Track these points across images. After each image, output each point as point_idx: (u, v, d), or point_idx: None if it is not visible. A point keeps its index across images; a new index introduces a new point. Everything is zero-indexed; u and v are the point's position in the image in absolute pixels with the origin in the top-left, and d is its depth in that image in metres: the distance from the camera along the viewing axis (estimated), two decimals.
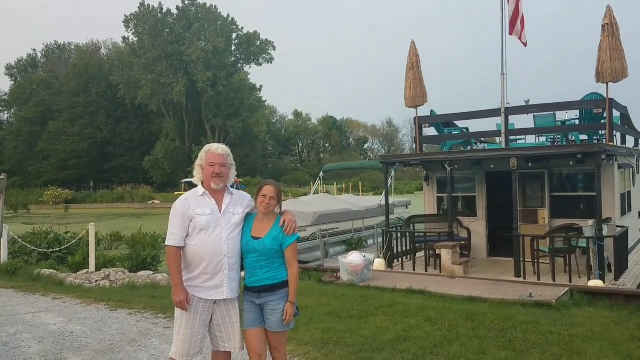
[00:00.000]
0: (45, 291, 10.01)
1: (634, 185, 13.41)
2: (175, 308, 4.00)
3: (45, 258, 13.53)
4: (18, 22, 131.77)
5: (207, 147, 4.17)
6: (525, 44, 11.82)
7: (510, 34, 11.62)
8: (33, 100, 76.37)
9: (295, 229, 4.09)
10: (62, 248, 13.78)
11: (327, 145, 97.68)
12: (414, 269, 11.45)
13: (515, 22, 11.56)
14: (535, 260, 10.12)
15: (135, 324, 7.42)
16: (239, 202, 4.16)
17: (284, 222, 4.06)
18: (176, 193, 50.51)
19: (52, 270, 12.01)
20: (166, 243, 4.01)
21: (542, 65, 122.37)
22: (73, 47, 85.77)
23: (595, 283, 9.21)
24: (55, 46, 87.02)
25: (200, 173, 4.11)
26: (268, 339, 4.06)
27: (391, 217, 13.27)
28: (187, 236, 3.98)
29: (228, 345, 4.08)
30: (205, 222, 3.96)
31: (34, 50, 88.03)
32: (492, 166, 11.59)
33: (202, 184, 4.11)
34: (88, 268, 12.16)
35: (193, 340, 3.98)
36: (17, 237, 13.97)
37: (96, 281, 11.20)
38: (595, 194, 9.80)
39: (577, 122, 12.61)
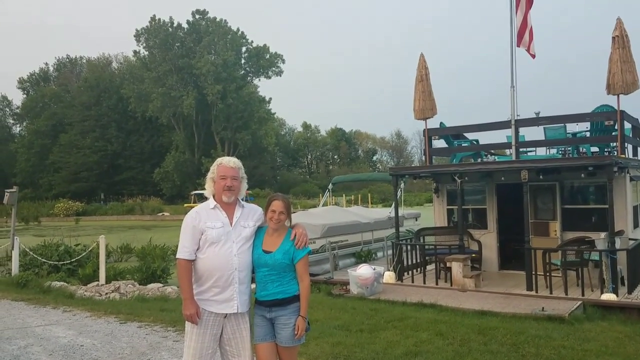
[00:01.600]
0: (55, 304, 10.04)
1: None
2: (186, 322, 4.00)
3: (55, 270, 13.58)
4: (31, 37, 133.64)
5: (219, 160, 4.18)
6: (533, 56, 11.78)
7: (518, 45, 11.59)
8: (45, 114, 77.25)
9: (307, 242, 4.08)
10: (72, 260, 13.82)
11: (336, 157, 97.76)
12: (424, 282, 11.37)
13: (523, 33, 11.53)
14: (547, 274, 10.03)
15: (145, 337, 7.41)
16: (250, 216, 4.16)
17: (295, 235, 4.05)
18: (186, 205, 50.69)
19: (62, 283, 12.06)
20: (177, 256, 4.02)
21: (552, 76, 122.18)
22: (84, 60, 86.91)
23: (608, 297, 9.10)
24: (67, 60, 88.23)
25: (211, 186, 4.11)
26: (279, 353, 4.03)
27: (401, 229, 13.21)
28: (197, 249, 3.98)
29: None
30: (216, 235, 3.95)
31: (46, 64, 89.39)
32: (502, 178, 11.52)
33: (214, 197, 4.11)
34: (98, 280, 12.20)
35: (203, 355, 3.95)
36: (28, 250, 14.06)
37: (106, 294, 11.22)
38: (607, 206, 9.72)
39: (588, 134, 12.53)
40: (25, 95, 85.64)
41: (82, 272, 13.03)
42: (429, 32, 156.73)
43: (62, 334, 7.70)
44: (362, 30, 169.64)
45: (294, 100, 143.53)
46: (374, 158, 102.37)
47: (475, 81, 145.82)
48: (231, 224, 4.03)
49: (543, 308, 8.47)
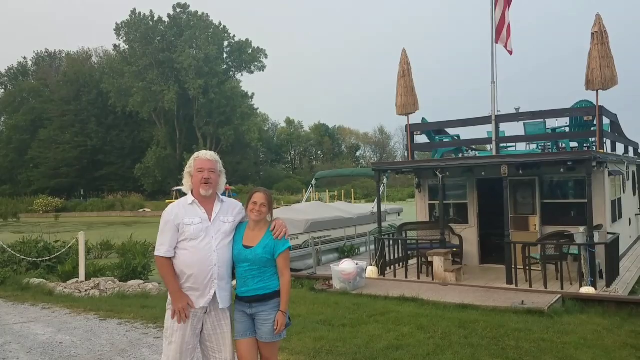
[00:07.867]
0: (34, 301, 9.89)
1: (624, 192, 13.49)
2: (166, 317, 3.96)
3: (34, 267, 13.38)
4: (9, 30, 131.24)
5: (196, 154, 4.17)
6: (510, 52, 11.85)
7: (496, 42, 11.66)
8: (23, 109, 75.82)
9: (286, 233, 4.05)
10: (51, 257, 13.63)
11: (319, 152, 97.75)
12: (406, 277, 11.42)
13: (501, 30, 11.60)
14: (527, 268, 10.13)
15: (125, 334, 7.33)
16: (230, 211, 4.13)
17: (275, 226, 4.02)
18: (167, 201, 50.16)
19: (41, 280, 11.88)
20: (155, 253, 3.97)
21: (533, 71, 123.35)
22: (64, 55, 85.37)
23: (587, 290, 9.22)
24: (46, 54, 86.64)
25: (189, 181, 4.08)
26: (259, 349, 4.02)
27: (383, 224, 13.25)
28: (176, 246, 3.94)
29: (219, 356, 4.03)
30: (195, 231, 3.91)
31: (25, 58, 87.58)
32: (483, 173, 11.61)
33: (192, 192, 4.08)
34: (78, 277, 12.04)
35: (184, 351, 3.92)
36: (6, 247, 13.82)
37: (86, 290, 11.08)
38: (586, 200, 9.83)
39: (567, 129, 12.67)
40: (3, 90, 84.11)
41: (62, 269, 12.83)
42: (413, 28, 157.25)
43: (40, 331, 7.59)
44: (346, 26, 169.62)
45: (277, 96, 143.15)
46: (357, 154, 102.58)
47: (458, 77, 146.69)
48: (210, 219, 4.00)
49: (523, 301, 8.56)
